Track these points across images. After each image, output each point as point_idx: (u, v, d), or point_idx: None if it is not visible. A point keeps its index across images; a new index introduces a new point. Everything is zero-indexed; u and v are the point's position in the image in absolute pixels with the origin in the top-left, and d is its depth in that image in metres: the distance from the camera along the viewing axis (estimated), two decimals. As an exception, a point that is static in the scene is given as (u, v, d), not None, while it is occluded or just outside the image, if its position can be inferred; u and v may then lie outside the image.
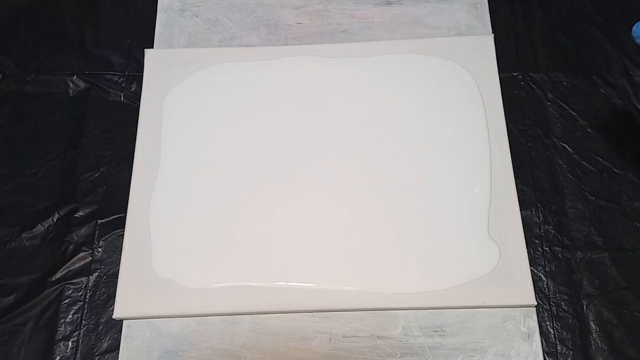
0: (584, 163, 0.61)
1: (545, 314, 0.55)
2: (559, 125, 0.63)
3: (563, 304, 0.56)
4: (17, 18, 0.69)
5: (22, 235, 0.59)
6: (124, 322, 0.55)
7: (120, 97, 0.65)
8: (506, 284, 0.55)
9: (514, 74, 0.66)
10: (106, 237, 0.59)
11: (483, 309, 0.55)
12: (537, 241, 0.58)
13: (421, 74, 0.64)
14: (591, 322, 0.55)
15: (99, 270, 0.58)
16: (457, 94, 0.63)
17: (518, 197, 0.59)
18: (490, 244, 0.56)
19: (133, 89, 0.66)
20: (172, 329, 0.55)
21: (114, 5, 0.70)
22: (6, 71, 0.66)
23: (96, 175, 0.62)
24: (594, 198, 0.60)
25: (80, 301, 0.56)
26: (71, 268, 0.58)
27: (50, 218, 0.59)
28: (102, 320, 0.56)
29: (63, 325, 0.55)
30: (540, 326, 0.54)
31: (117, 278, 0.56)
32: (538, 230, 0.59)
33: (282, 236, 0.57)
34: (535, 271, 0.57)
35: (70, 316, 0.56)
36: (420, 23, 0.68)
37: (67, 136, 0.63)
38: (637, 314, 0.55)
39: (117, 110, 0.65)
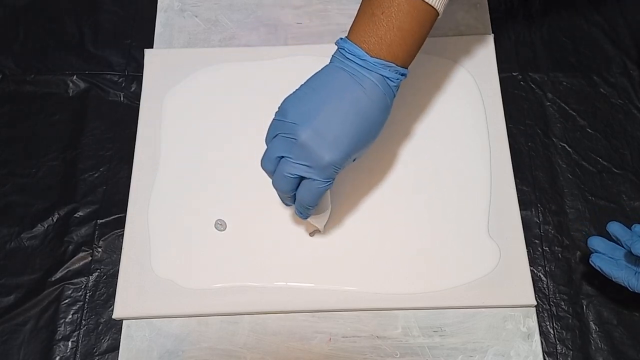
0: (584, 163, 0.61)
1: (545, 314, 0.55)
2: (558, 125, 0.63)
3: (563, 304, 0.56)
4: (17, 18, 0.69)
5: (22, 235, 0.59)
6: (124, 322, 0.55)
7: (120, 97, 0.65)
8: (506, 284, 0.55)
9: (514, 74, 0.66)
10: (106, 237, 0.59)
11: (483, 309, 0.55)
12: (537, 241, 0.58)
13: (421, 74, 0.64)
14: (591, 322, 0.55)
15: (98, 270, 0.58)
16: (457, 94, 0.63)
17: (518, 197, 0.59)
18: (490, 244, 0.56)
19: (133, 89, 0.66)
20: (172, 329, 0.55)
21: (114, 5, 0.70)
22: (6, 71, 0.66)
23: (96, 175, 0.62)
24: (593, 198, 0.60)
25: (80, 301, 0.56)
26: (71, 268, 0.58)
27: (50, 218, 0.59)
28: (102, 320, 0.56)
29: (63, 325, 0.55)
30: (540, 326, 0.54)
31: (117, 278, 0.56)
32: (538, 230, 0.59)
33: (282, 236, 0.57)
34: (535, 271, 0.57)
35: (70, 316, 0.56)
36: (420, 23, 0.68)
37: (67, 136, 0.63)
38: (637, 314, 0.55)
39: (117, 110, 0.65)
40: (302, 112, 0.48)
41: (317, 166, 0.47)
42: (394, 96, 0.49)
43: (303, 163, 0.47)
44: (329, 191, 0.52)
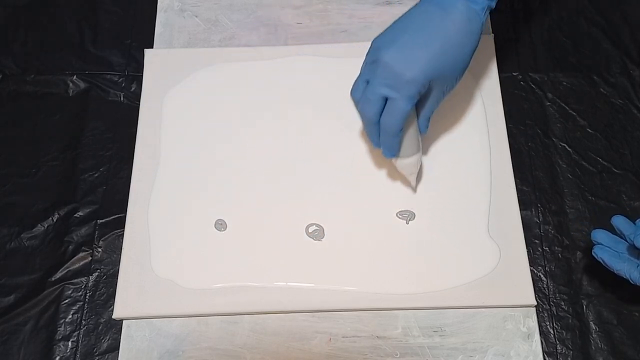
0: (584, 163, 0.61)
1: (545, 314, 0.55)
2: (558, 125, 0.63)
3: (563, 304, 0.56)
4: (17, 18, 0.69)
5: (22, 235, 0.59)
6: (124, 322, 0.55)
7: (120, 97, 0.65)
8: (506, 284, 0.55)
9: (514, 74, 0.66)
10: (106, 237, 0.59)
11: (483, 309, 0.55)
12: (537, 241, 0.58)
13: (421, 74, 0.64)
14: (591, 322, 0.55)
15: (98, 270, 0.58)
16: (457, 94, 0.63)
17: (518, 197, 0.59)
18: (490, 244, 0.56)
19: (133, 89, 0.66)
20: (172, 329, 0.55)
21: (114, 5, 0.70)
22: (6, 71, 0.66)
23: (96, 175, 0.62)
24: (593, 198, 0.60)
25: (80, 301, 0.56)
26: (71, 268, 0.58)
27: (50, 218, 0.59)
28: (102, 320, 0.56)
29: (63, 325, 0.56)
30: (540, 326, 0.54)
31: (117, 278, 0.56)
32: (538, 230, 0.59)
33: (282, 236, 0.57)
34: (535, 271, 0.57)
35: (70, 316, 0.56)
36: (420, 23, 0.68)
37: (67, 136, 0.63)
38: (637, 314, 0.55)
39: (117, 110, 0.65)
40: (387, 38, 0.50)
41: (398, 83, 0.48)
42: (482, 24, 0.50)
43: (385, 82, 0.49)
44: (417, 133, 0.53)
